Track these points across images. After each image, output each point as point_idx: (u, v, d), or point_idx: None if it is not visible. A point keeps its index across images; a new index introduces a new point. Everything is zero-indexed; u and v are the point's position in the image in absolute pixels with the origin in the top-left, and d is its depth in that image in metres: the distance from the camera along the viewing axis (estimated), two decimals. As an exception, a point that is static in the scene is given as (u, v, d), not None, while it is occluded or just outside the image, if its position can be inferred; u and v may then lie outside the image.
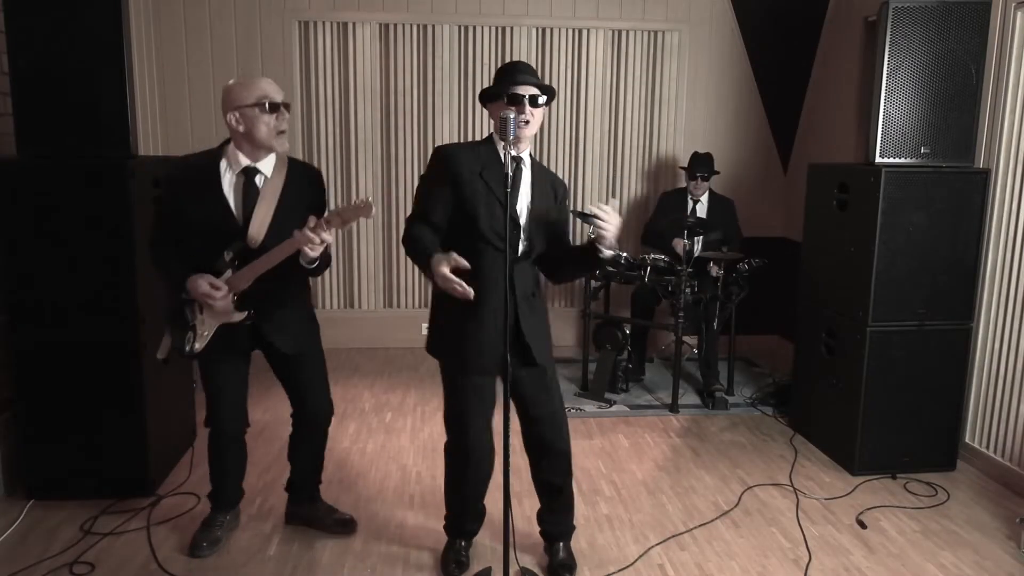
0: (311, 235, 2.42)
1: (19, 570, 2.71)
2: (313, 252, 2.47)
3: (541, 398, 2.59)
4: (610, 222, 2.34)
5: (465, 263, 2.28)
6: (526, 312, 2.53)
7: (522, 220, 2.50)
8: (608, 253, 2.40)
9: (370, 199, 2.41)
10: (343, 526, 3.02)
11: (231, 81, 2.60)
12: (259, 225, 2.58)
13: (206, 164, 2.61)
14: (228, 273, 2.59)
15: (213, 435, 2.85)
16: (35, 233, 3.02)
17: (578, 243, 2.66)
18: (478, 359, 2.51)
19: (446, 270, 2.27)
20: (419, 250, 2.40)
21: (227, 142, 2.63)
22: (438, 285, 2.30)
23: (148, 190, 3.22)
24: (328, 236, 2.45)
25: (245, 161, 2.60)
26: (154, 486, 3.28)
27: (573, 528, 2.87)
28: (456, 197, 2.45)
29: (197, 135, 5.21)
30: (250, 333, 2.71)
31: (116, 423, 3.16)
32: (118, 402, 3.15)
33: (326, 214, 2.46)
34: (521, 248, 2.50)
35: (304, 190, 2.68)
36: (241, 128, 2.54)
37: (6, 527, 2.99)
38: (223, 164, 2.60)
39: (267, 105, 2.53)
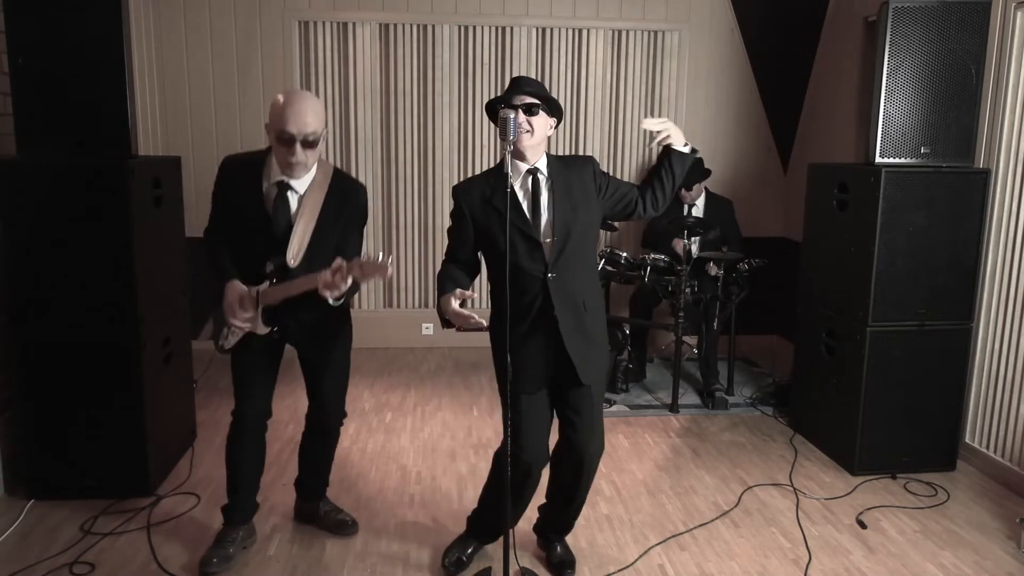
0: (330, 280, 2.37)
1: (19, 570, 2.71)
2: (329, 296, 2.41)
3: (583, 411, 2.55)
4: (665, 128, 2.46)
5: (470, 293, 2.36)
6: (570, 329, 2.45)
7: (544, 236, 2.44)
8: (685, 148, 2.52)
9: (390, 262, 2.35)
10: (342, 527, 3.00)
11: (280, 95, 2.52)
12: (298, 244, 2.58)
13: (253, 164, 2.62)
14: (266, 284, 2.60)
15: (233, 423, 2.79)
16: (35, 233, 3.02)
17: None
18: (522, 377, 2.46)
19: (455, 307, 2.33)
20: (439, 290, 2.48)
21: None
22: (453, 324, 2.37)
23: (148, 190, 3.22)
24: (345, 285, 2.39)
25: (278, 175, 2.58)
26: (154, 486, 3.28)
27: (571, 527, 2.88)
28: (476, 230, 2.48)
29: (197, 135, 5.21)
30: (285, 333, 2.73)
31: (116, 423, 3.16)
32: (118, 402, 3.14)
33: (351, 262, 2.38)
34: (551, 263, 2.42)
35: (342, 209, 2.63)
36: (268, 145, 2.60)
37: (6, 527, 2.99)
38: (265, 170, 2.60)
39: (281, 137, 2.48)
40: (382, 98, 5.37)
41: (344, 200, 2.65)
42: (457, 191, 2.54)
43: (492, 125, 2.55)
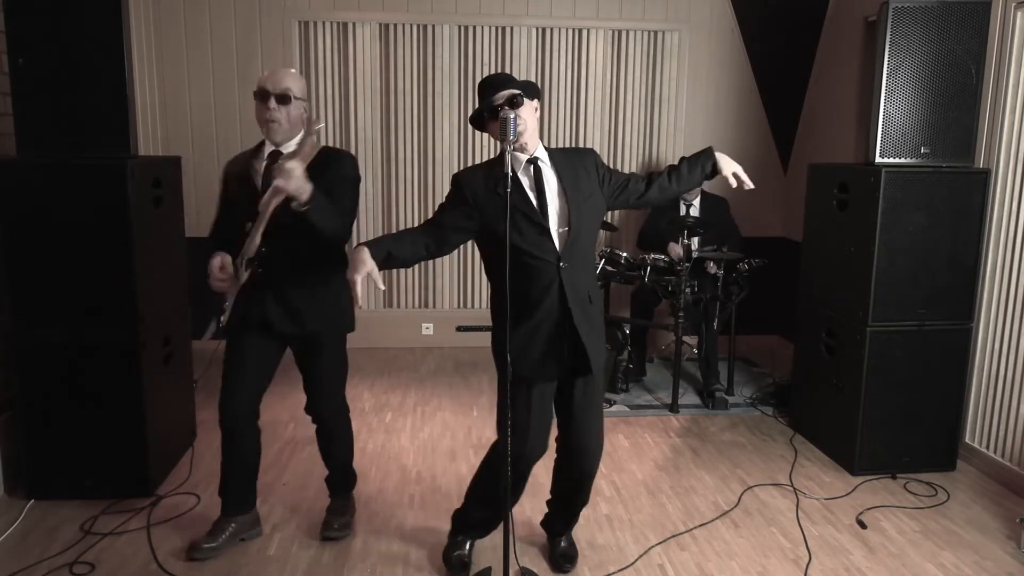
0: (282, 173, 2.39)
1: (19, 570, 2.71)
2: (287, 184, 2.37)
3: (586, 406, 2.56)
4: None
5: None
6: (581, 319, 2.45)
7: (553, 224, 2.42)
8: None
9: (318, 122, 2.47)
10: (325, 528, 2.97)
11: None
12: (269, 195, 2.59)
13: (249, 154, 2.76)
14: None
15: (221, 418, 2.80)
16: (35, 233, 3.02)
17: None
18: (534, 366, 2.46)
19: (373, 268, 2.28)
20: (377, 240, 2.39)
21: None
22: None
23: (148, 190, 3.22)
24: (290, 164, 2.36)
25: (270, 147, 2.69)
26: (154, 486, 3.28)
27: (576, 520, 2.89)
28: (480, 220, 2.43)
29: (197, 135, 5.21)
30: (265, 312, 2.71)
31: (116, 423, 3.16)
32: (118, 402, 3.15)
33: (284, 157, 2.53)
34: (564, 253, 2.41)
35: (323, 173, 2.60)
36: None
37: (6, 527, 2.99)
38: (259, 154, 2.72)
39: (257, 95, 2.64)
40: (382, 98, 5.37)
41: (326, 166, 2.63)
42: (461, 178, 2.49)
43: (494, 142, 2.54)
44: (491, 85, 2.42)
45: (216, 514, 2.91)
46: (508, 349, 2.37)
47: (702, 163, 2.65)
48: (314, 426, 2.97)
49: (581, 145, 5.54)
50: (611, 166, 2.74)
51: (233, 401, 2.77)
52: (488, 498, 2.68)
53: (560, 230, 2.43)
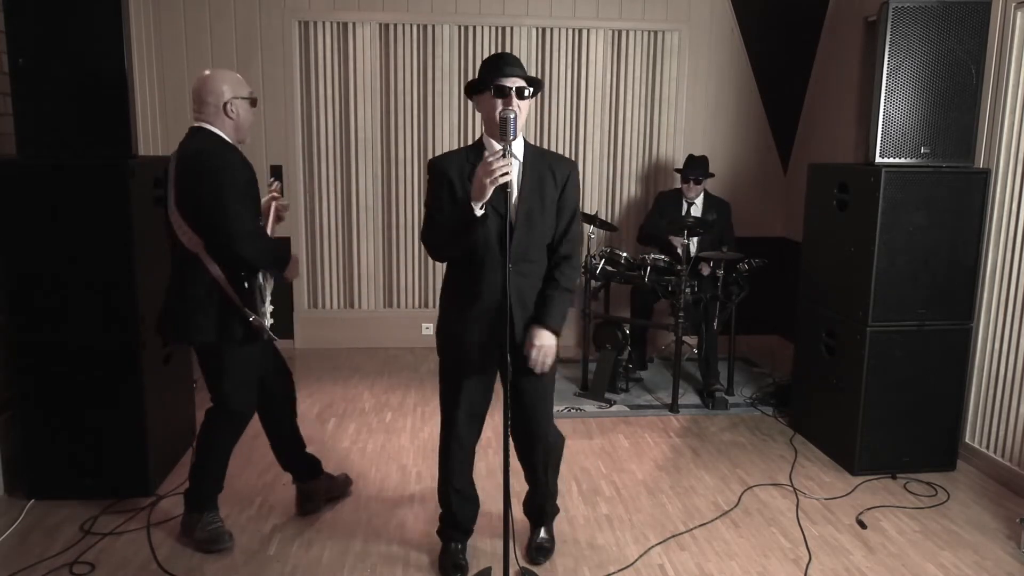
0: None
1: (19, 570, 2.71)
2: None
3: (526, 396, 2.61)
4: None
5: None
6: (522, 320, 2.49)
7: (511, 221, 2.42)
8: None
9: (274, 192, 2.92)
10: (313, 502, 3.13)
11: (222, 70, 2.74)
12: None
13: (243, 157, 2.74)
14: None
15: (235, 420, 2.84)
16: (35, 233, 3.02)
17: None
18: (472, 360, 2.53)
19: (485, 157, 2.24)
20: (447, 224, 2.37)
21: (213, 134, 2.70)
22: (486, 180, 2.19)
23: (148, 190, 3.23)
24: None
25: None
26: (154, 486, 3.28)
27: (557, 511, 2.93)
28: (450, 204, 2.42)
29: (197, 135, 5.21)
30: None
31: (116, 423, 3.16)
32: (118, 402, 3.15)
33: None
34: (512, 253, 2.38)
35: None
36: (235, 117, 2.71)
37: (6, 527, 2.99)
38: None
39: (253, 101, 2.76)
40: (382, 98, 5.37)
41: None
42: (437, 161, 2.49)
43: (482, 122, 2.53)
44: (507, 63, 2.38)
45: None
46: (449, 337, 2.57)
47: (535, 320, 2.52)
48: (268, 410, 3.04)
49: (581, 147, 5.55)
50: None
51: (252, 411, 2.89)
52: (447, 493, 2.77)
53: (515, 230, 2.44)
